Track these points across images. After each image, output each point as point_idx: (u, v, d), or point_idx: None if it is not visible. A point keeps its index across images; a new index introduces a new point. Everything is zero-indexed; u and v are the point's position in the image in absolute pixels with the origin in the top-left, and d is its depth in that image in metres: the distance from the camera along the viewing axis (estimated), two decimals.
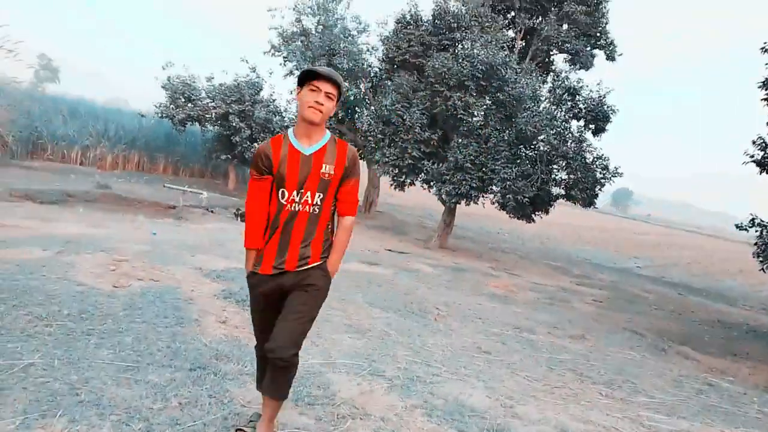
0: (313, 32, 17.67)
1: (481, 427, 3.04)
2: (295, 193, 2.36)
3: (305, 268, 2.40)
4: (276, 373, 2.39)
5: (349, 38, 17.48)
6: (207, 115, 17.32)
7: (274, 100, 17.90)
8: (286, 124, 17.23)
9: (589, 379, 4.59)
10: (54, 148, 16.66)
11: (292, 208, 2.36)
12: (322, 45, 16.95)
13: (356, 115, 17.59)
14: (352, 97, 18.03)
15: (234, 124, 16.78)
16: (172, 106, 17.10)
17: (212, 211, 13.44)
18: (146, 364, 3.27)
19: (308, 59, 17.12)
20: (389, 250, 12.22)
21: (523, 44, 15.87)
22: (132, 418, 2.60)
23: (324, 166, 2.37)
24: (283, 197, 2.37)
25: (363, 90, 17.94)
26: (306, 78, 2.33)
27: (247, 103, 17.24)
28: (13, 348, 3.24)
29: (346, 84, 17.85)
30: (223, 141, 17.69)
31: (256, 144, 18.02)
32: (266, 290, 2.43)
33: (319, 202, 2.38)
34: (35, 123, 16.36)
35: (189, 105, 17.18)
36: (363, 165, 18.71)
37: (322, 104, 2.31)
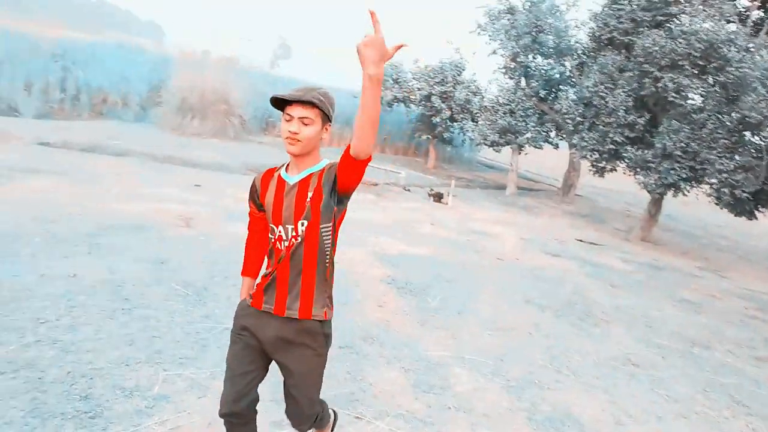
0: (520, 9, 17.47)
1: None
2: (281, 228, 2.10)
3: (293, 317, 2.10)
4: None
5: (557, 14, 16.96)
6: (412, 96, 18.38)
7: (475, 81, 18.23)
8: (485, 104, 17.47)
9: (745, 408, 4.30)
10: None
11: (281, 246, 2.10)
12: (527, 22, 16.72)
13: (560, 94, 17.12)
14: (556, 75, 17.57)
15: (435, 105, 17.55)
16: (381, 87, 18.49)
17: (408, 190, 14.45)
18: None
19: (512, 38, 17.04)
20: (580, 240, 11.91)
21: (762, 14, 13.74)
22: (280, 382, 3.35)
23: (308, 194, 2.06)
24: (272, 234, 2.14)
25: (568, 68, 17.34)
26: (277, 106, 2.07)
27: (449, 84, 17.87)
28: (219, 312, 4.28)
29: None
30: (424, 121, 18.66)
31: (455, 124, 18.66)
32: (249, 324, 2.17)
33: (303, 230, 2.07)
34: (267, 103, 19.19)
35: (396, 87, 18.41)
36: (563, 145, 18.16)
37: (297, 133, 2.01)
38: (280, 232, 2.10)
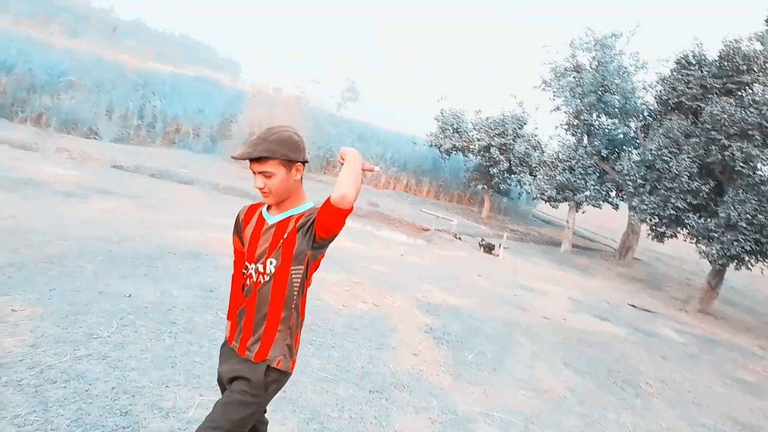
0: (587, 68, 17.50)
1: None
2: (252, 266, 2.12)
3: (250, 360, 2.10)
4: None
5: (624, 75, 16.88)
6: (471, 146, 18.57)
7: (536, 135, 18.26)
8: (544, 158, 17.42)
9: None
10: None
11: (249, 283, 2.14)
12: (594, 81, 16.72)
13: (622, 154, 16.88)
14: (620, 135, 17.37)
15: (494, 156, 17.66)
16: (441, 135, 18.83)
17: (459, 238, 14.44)
18: (340, 378, 4.15)
19: (577, 95, 17.05)
20: (633, 306, 11.54)
21: None
22: (312, 419, 3.45)
23: (284, 235, 2.07)
24: (245, 270, 2.18)
25: (633, 129, 17.14)
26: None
27: (509, 137, 17.98)
28: None
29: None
30: (482, 171, 18.77)
31: (512, 176, 18.65)
32: (222, 361, 2.23)
33: (271, 270, 2.07)
34: (330, 143, 19.82)
35: (455, 136, 18.68)
36: (623, 206, 17.77)
37: (263, 187, 2.04)
38: (251, 269, 2.13)
